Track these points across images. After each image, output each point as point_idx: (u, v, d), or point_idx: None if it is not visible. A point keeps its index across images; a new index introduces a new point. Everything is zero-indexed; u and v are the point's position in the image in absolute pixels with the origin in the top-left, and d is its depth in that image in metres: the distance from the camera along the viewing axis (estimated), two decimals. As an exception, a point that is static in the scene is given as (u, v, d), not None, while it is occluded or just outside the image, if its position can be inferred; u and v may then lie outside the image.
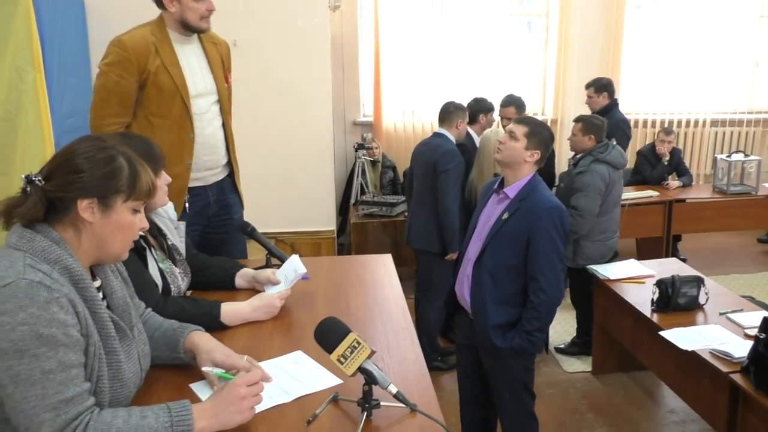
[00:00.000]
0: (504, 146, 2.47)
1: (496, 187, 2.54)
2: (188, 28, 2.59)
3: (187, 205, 2.65)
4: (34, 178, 1.23)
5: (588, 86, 4.94)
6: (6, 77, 3.83)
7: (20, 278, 1.16)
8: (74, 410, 1.17)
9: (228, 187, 2.89)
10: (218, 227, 2.85)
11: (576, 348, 4.00)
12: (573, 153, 3.94)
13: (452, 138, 3.77)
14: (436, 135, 3.84)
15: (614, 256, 3.85)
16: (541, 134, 2.48)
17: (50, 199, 1.24)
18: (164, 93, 2.55)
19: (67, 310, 1.19)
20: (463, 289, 2.55)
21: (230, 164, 2.88)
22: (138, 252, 1.79)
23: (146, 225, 1.39)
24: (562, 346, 4.06)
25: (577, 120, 3.90)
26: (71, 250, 1.26)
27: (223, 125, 2.80)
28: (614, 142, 3.84)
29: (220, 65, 2.77)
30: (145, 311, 1.60)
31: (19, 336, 1.13)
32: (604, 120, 3.91)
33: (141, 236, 1.80)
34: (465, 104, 3.98)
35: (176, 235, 2.04)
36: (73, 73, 3.99)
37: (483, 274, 2.45)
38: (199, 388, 1.50)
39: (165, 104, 2.57)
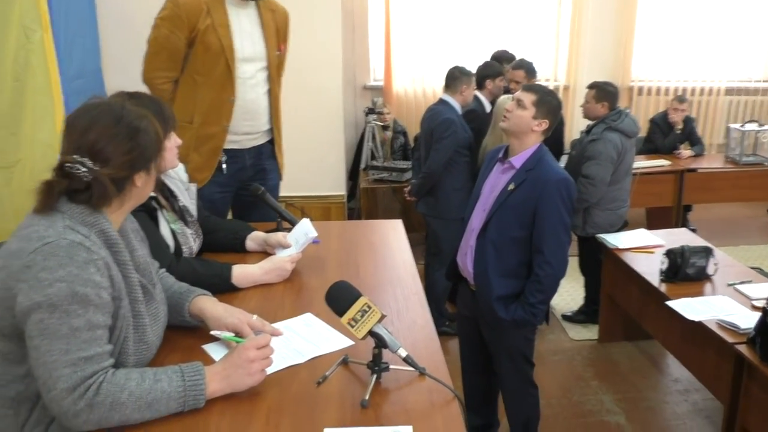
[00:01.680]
0: (511, 114, 2.42)
1: (501, 155, 2.51)
2: None
3: (224, 166, 2.70)
4: (93, 166, 1.25)
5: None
6: (13, 36, 3.80)
7: (61, 238, 1.20)
8: (91, 368, 1.19)
9: (267, 152, 2.89)
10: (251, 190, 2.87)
11: (583, 316, 4.03)
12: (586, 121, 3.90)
13: (456, 104, 3.73)
14: (440, 101, 3.80)
15: (624, 225, 3.84)
16: (549, 103, 2.43)
17: (113, 181, 1.27)
18: (210, 52, 2.56)
19: (102, 272, 1.24)
20: (466, 260, 2.53)
21: (272, 132, 2.88)
22: (149, 213, 1.79)
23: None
24: (569, 313, 4.08)
25: (591, 86, 3.85)
26: (105, 214, 1.30)
27: (269, 92, 2.79)
28: (628, 110, 3.78)
29: (274, 32, 2.75)
30: (158, 271, 1.62)
31: (55, 291, 1.17)
32: (618, 87, 3.85)
33: (152, 197, 1.81)
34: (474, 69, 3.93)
35: (187, 197, 2.05)
36: (80, 32, 3.95)
37: (487, 245, 2.43)
38: (213, 349, 1.52)
39: (209, 64, 2.58)
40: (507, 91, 4.18)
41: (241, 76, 2.64)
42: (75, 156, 1.25)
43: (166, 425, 1.25)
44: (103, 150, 1.27)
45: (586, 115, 3.85)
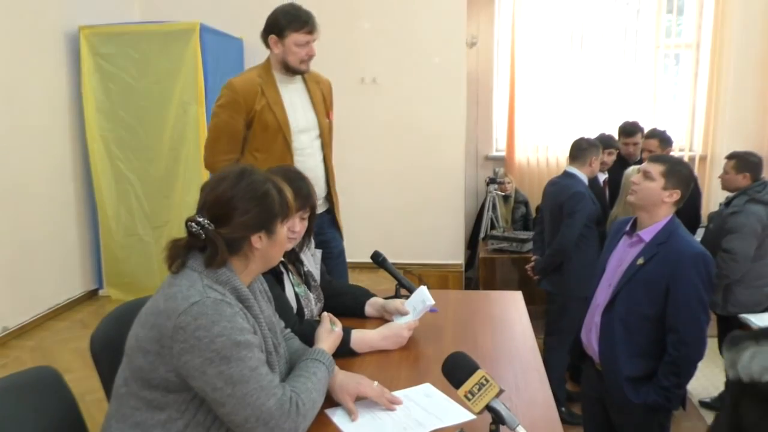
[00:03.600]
0: (638, 187, 2.31)
1: (628, 228, 2.39)
2: (289, 70, 2.72)
3: None
4: (207, 225, 1.36)
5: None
6: (173, 112, 4.28)
7: (205, 297, 1.31)
8: (282, 389, 1.36)
9: (326, 223, 2.95)
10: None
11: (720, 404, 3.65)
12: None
13: (584, 177, 3.63)
14: (566, 174, 3.70)
15: None
16: (680, 172, 2.30)
17: (228, 241, 1.37)
18: (268, 130, 2.71)
19: (247, 319, 1.36)
20: (591, 337, 2.40)
21: (330, 197, 2.95)
22: (276, 276, 1.89)
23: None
24: (707, 400, 3.72)
25: (731, 157, 3.62)
26: (236, 273, 1.40)
27: (324, 159, 2.91)
28: None
29: (322, 102, 2.89)
30: (283, 331, 1.69)
31: (219, 346, 1.28)
32: (761, 157, 3.60)
33: (280, 261, 1.91)
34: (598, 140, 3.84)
35: (312, 262, 2.14)
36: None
37: (615, 322, 2.29)
38: (334, 413, 1.54)
39: (268, 140, 2.72)
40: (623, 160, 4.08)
41: (298, 147, 2.76)
42: (197, 215, 1.36)
43: None
44: (222, 209, 1.36)
45: (725, 187, 3.62)
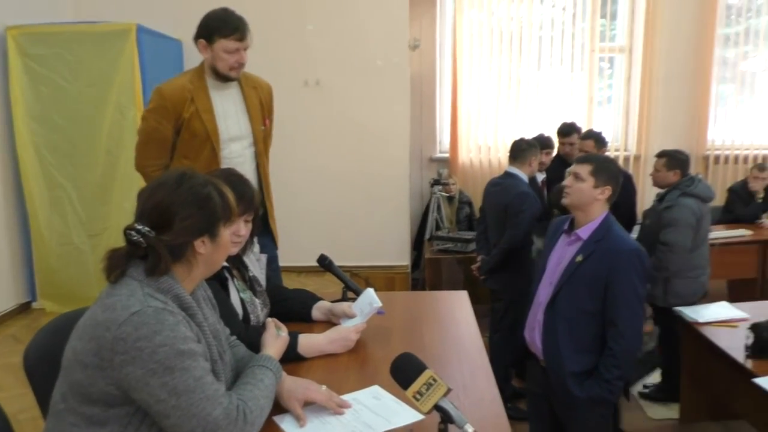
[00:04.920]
0: (571, 189, 2.39)
1: (566, 227, 2.46)
2: (219, 76, 2.67)
3: None
4: (148, 232, 1.31)
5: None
6: (110, 113, 4.14)
7: (146, 306, 1.26)
8: (228, 397, 1.33)
9: (260, 230, 2.92)
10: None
11: (662, 394, 3.80)
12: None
13: (524, 176, 3.72)
14: (507, 175, 3.78)
15: (704, 295, 3.67)
16: (608, 169, 2.39)
17: (170, 248, 1.33)
18: (197, 138, 2.66)
19: (191, 327, 1.33)
20: (534, 334, 2.46)
21: (263, 206, 2.90)
22: (220, 282, 1.85)
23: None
24: (646, 391, 3.86)
25: (661, 155, 3.79)
26: (178, 281, 1.36)
27: (258, 167, 2.87)
28: (700, 175, 3.70)
29: (259, 109, 2.84)
30: (228, 338, 1.66)
31: (162, 357, 1.24)
32: (688, 154, 3.78)
33: (224, 267, 1.87)
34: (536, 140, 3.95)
35: (258, 267, 2.11)
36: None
37: (557, 319, 2.36)
38: (282, 420, 1.52)
39: (196, 148, 2.68)
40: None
41: (228, 156, 2.72)
42: (136, 223, 1.32)
43: None
44: (162, 215, 1.33)
45: (657, 184, 3.78)
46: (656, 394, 3.82)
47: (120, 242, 1.35)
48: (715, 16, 5.73)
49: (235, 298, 1.92)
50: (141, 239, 1.31)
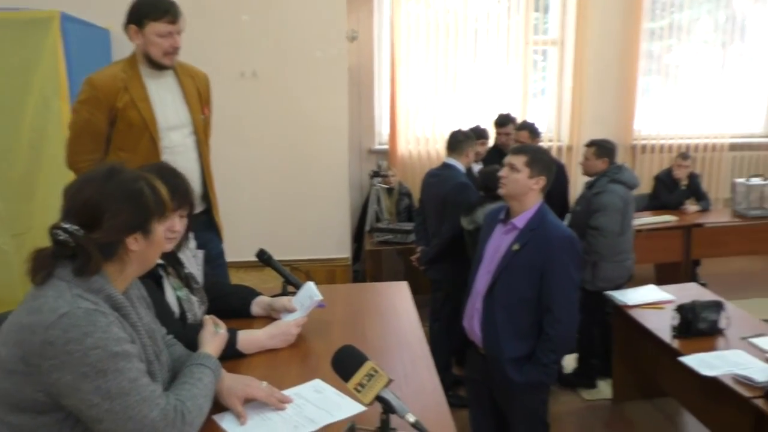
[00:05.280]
0: (507, 180, 2.45)
1: (502, 217, 2.52)
2: (153, 64, 2.59)
3: None
4: (76, 231, 1.25)
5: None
6: (32, 105, 3.94)
7: (75, 307, 1.21)
8: (165, 398, 1.30)
9: (203, 224, 2.82)
10: None
11: (578, 379, 3.90)
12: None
13: (462, 167, 3.78)
14: (445, 166, 3.83)
15: (630, 279, 3.83)
16: (542, 160, 2.46)
17: (101, 246, 1.27)
18: (133, 128, 2.58)
19: (124, 328, 1.28)
20: (473, 323, 2.51)
21: (207, 197, 2.84)
22: (155, 279, 1.80)
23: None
24: (566, 375, 3.94)
25: (590, 144, 3.96)
26: (109, 280, 1.31)
27: (200, 157, 2.79)
28: (626, 165, 3.90)
29: (197, 97, 2.77)
30: (164, 337, 1.62)
31: (94, 359, 1.19)
32: (616, 143, 3.94)
33: (158, 264, 1.82)
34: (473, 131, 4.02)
35: (194, 264, 2.06)
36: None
37: (495, 307, 2.41)
38: (221, 418, 1.49)
39: (134, 139, 2.59)
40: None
41: (168, 146, 2.64)
42: (62, 222, 1.26)
43: None
44: (93, 212, 1.27)
45: (586, 172, 3.95)
46: (573, 379, 3.93)
47: (46, 242, 1.29)
48: (641, 10, 5.95)
49: (170, 296, 1.87)
50: (69, 238, 1.25)
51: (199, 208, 2.80)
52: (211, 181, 2.86)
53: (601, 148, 3.86)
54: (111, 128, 2.58)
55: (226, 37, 4.67)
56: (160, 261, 1.82)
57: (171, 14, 2.50)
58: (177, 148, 2.68)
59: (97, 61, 4.10)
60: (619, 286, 3.72)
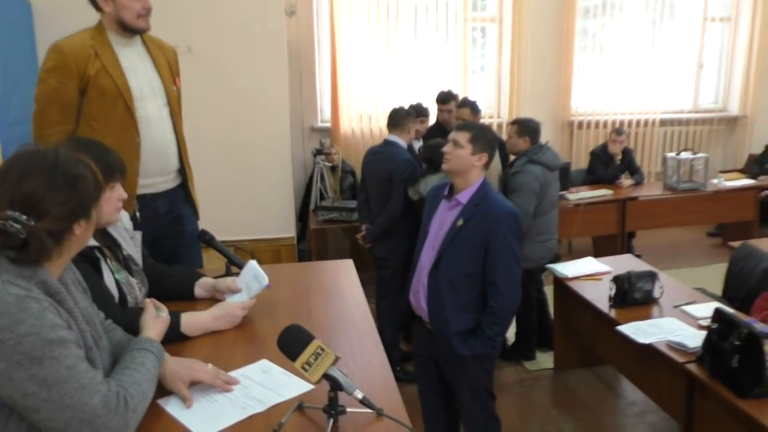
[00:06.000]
0: (450, 156, 2.46)
1: (446, 193, 2.54)
2: (126, 29, 2.49)
3: (137, 214, 2.54)
4: (27, 221, 1.19)
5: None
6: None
7: (5, 294, 1.15)
8: (106, 385, 1.25)
9: (180, 198, 2.77)
10: (170, 239, 2.73)
11: (515, 354, 3.99)
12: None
13: (403, 144, 3.79)
14: (386, 143, 3.82)
15: (555, 259, 3.89)
16: (485, 137, 2.48)
17: (50, 234, 1.22)
18: (106, 96, 2.45)
19: (60, 314, 1.23)
20: (419, 298, 2.53)
21: (183, 171, 2.77)
22: (92, 263, 1.73)
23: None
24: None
25: (513, 123, 3.95)
26: (43, 266, 1.25)
27: (174, 129, 2.70)
28: (549, 144, 3.89)
29: (167, 68, 2.68)
30: (103, 322, 1.56)
31: (28, 347, 1.14)
32: (540, 123, 3.95)
33: (95, 247, 1.75)
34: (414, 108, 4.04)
35: (132, 245, 1.99)
36: (20, 78, 3.86)
37: (440, 281, 2.43)
38: (167, 402, 1.46)
39: (107, 108, 2.46)
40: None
41: (143, 115, 2.54)
42: (8, 211, 1.20)
43: None
44: (40, 202, 1.22)
45: (510, 150, 3.92)
46: (510, 354, 4.00)
47: None
48: (577, -12, 6.07)
49: (109, 279, 1.80)
50: (20, 229, 1.18)
51: (175, 182, 2.74)
52: (186, 154, 2.77)
53: (523, 127, 3.82)
54: (82, 98, 2.44)
55: (158, 10, 4.47)
56: (96, 243, 1.75)
57: None
58: (152, 118, 2.56)
59: (17, 35, 3.87)
60: (540, 266, 3.78)
